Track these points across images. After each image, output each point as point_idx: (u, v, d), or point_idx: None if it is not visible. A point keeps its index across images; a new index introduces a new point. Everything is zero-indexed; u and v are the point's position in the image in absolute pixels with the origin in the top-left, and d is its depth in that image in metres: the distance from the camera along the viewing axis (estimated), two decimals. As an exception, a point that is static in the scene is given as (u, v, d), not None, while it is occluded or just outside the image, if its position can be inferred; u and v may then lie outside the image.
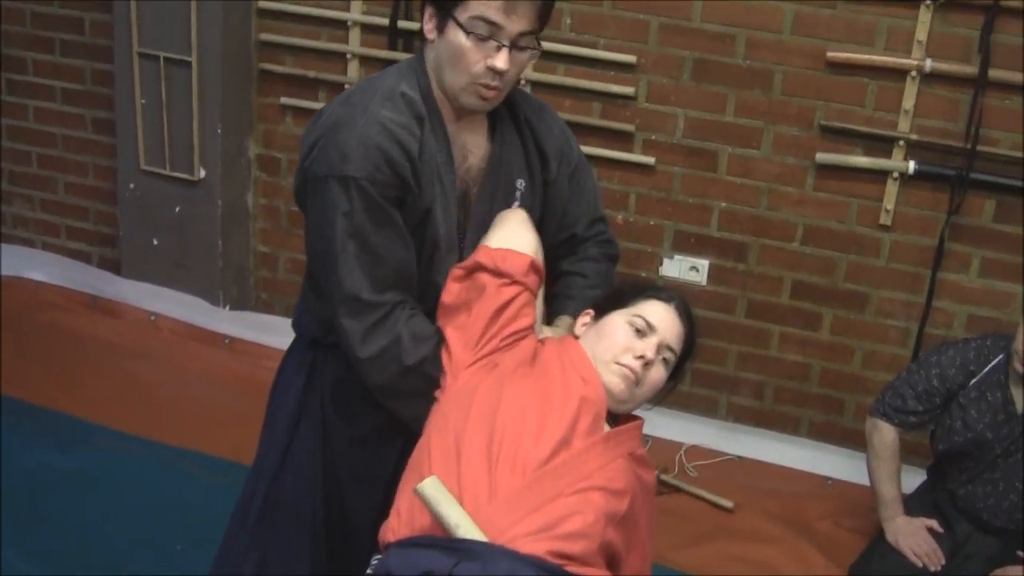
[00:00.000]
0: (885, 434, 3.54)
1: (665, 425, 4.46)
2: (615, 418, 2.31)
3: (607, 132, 4.35)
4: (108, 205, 5.22)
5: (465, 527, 1.94)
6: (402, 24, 4.42)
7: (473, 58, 2.22)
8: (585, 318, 2.47)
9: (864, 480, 3.71)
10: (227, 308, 4.99)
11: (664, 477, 4.17)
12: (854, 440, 4.23)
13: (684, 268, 4.43)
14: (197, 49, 4.58)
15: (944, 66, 3.94)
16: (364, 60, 4.56)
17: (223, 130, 4.71)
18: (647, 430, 4.34)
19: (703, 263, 4.41)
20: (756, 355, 4.46)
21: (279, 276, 5.04)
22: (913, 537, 3.47)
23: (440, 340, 2.36)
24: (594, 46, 4.29)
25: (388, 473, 2.46)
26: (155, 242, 5.00)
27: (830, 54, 4.03)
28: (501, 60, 2.21)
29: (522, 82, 4.32)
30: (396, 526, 2.08)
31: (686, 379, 4.43)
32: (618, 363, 2.29)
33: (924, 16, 3.90)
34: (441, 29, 2.26)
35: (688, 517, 4.02)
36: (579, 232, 2.65)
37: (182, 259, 4.97)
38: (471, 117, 2.40)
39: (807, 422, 4.48)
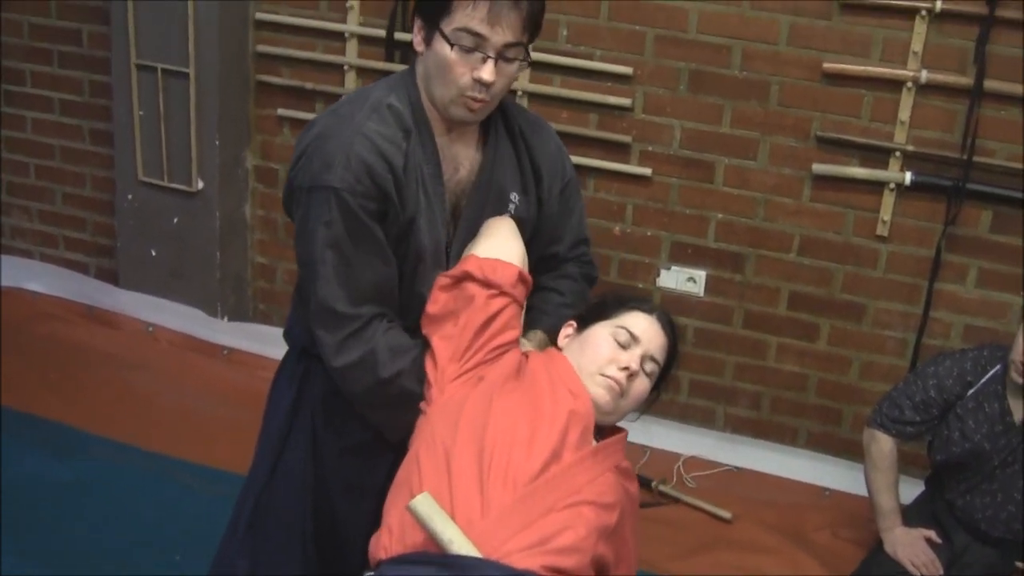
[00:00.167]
0: (883, 444, 3.54)
1: (663, 436, 4.47)
2: (600, 430, 2.32)
3: (604, 143, 4.35)
4: (106, 216, 5.23)
5: (459, 543, 1.94)
6: (399, 36, 4.42)
7: (459, 70, 2.22)
8: (568, 330, 2.48)
9: (862, 490, 3.71)
10: (225, 319, 5.00)
11: (662, 488, 4.18)
12: (852, 451, 4.23)
13: (681, 279, 4.43)
14: (195, 61, 4.58)
15: (940, 77, 3.95)
16: (361, 72, 4.57)
17: (221, 141, 4.72)
18: (645, 440, 4.40)
19: (700, 274, 4.41)
20: (753, 366, 4.46)
21: (277, 287, 5.04)
22: (911, 548, 3.47)
23: (419, 355, 2.36)
24: (590, 58, 4.30)
25: (379, 484, 2.44)
26: (153, 253, 5.00)
27: (826, 65, 4.04)
28: (487, 72, 2.21)
29: (519, 93, 4.33)
30: (388, 543, 2.07)
31: (683, 390, 4.48)
32: (603, 374, 2.30)
33: (920, 27, 3.91)
34: (428, 41, 2.27)
35: (686, 528, 4.02)
36: (562, 252, 2.66)
37: (180, 270, 4.97)
38: (462, 129, 2.40)
39: (805, 433, 4.49)
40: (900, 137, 4.04)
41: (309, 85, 4.65)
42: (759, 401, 4.50)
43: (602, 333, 2.37)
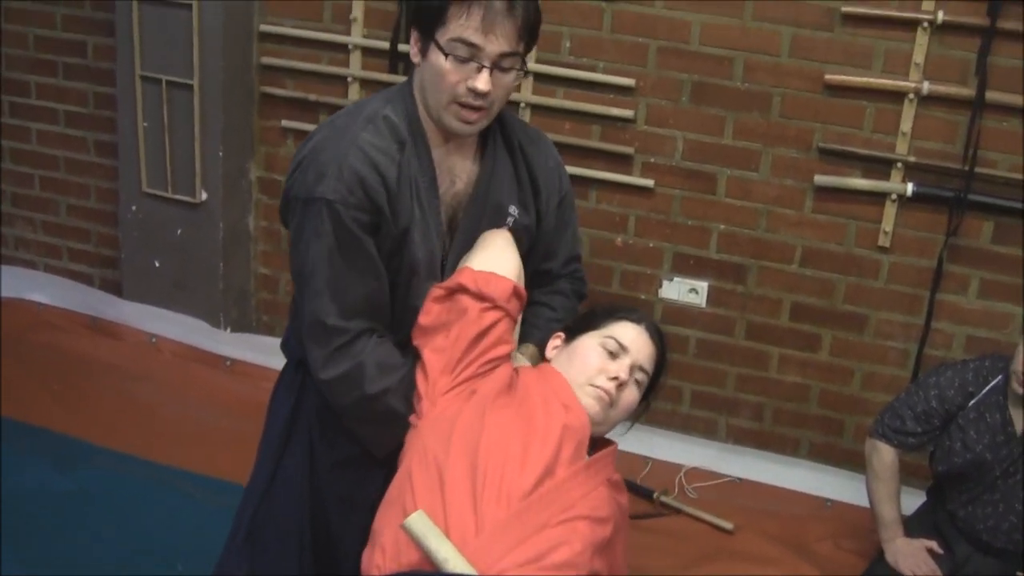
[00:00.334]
0: (884, 455, 3.54)
1: (665, 447, 4.47)
2: (590, 442, 2.31)
3: (606, 155, 4.36)
4: (110, 227, 5.24)
5: (454, 561, 1.93)
6: (402, 47, 4.44)
7: (453, 79, 2.22)
8: (556, 340, 2.48)
9: (864, 501, 3.71)
10: (228, 330, 5.00)
11: (664, 499, 4.18)
12: (854, 461, 4.23)
13: (683, 290, 4.44)
14: (199, 72, 4.60)
15: (941, 88, 3.96)
16: (365, 83, 4.58)
17: (224, 153, 4.73)
18: (647, 451, 4.41)
19: (702, 285, 4.42)
20: (755, 377, 4.47)
21: (280, 298, 5.05)
22: (913, 558, 3.47)
23: (408, 373, 2.35)
24: (593, 69, 4.31)
25: (370, 498, 2.42)
26: (156, 264, 5.01)
27: (828, 77, 4.05)
28: (482, 82, 2.21)
29: (521, 105, 4.34)
30: (382, 562, 2.06)
31: (686, 401, 4.48)
32: (592, 385, 2.30)
33: (921, 39, 3.93)
34: (424, 52, 2.27)
35: (688, 539, 4.02)
36: (555, 268, 2.67)
37: (183, 281, 4.98)
38: (460, 141, 2.40)
39: (807, 443, 4.49)
40: (902, 148, 4.05)
41: (313, 97, 4.66)
42: (761, 412, 4.50)
43: (590, 343, 2.38)
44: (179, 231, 4.90)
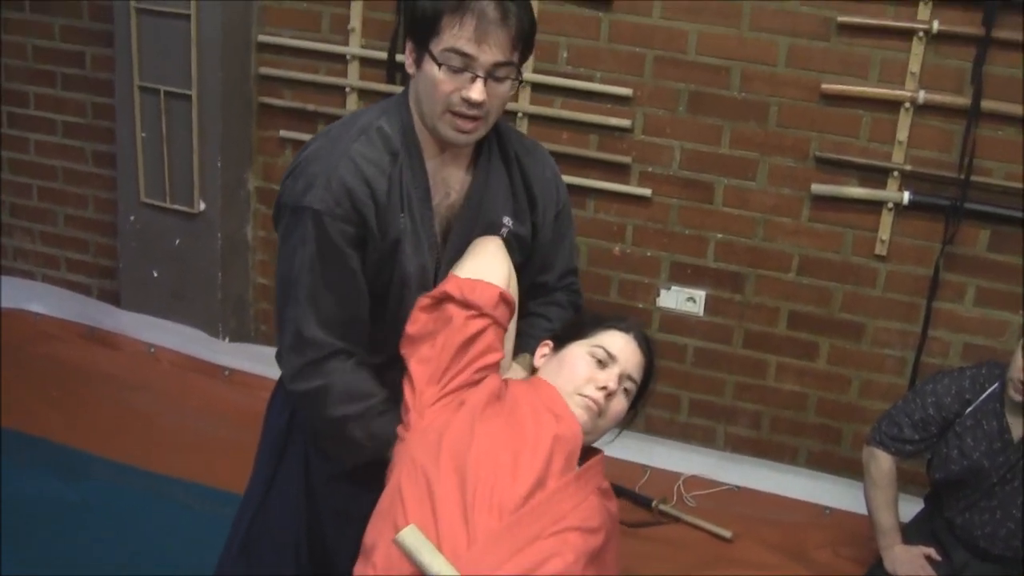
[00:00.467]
0: (882, 463, 3.55)
1: (664, 455, 4.48)
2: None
3: (604, 164, 4.37)
4: (108, 238, 5.24)
5: (448, 575, 1.92)
6: (400, 58, 4.41)
7: (447, 89, 2.21)
8: (544, 349, 2.47)
9: (862, 509, 3.71)
10: (226, 340, 5.01)
11: (663, 507, 4.18)
12: (852, 469, 4.23)
13: (681, 299, 4.45)
14: (197, 83, 4.61)
15: (937, 97, 3.97)
16: (363, 93, 4.59)
17: (223, 163, 4.74)
18: (646, 460, 4.42)
19: (700, 294, 4.43)
20: (753, 385, 4.48)
21: (278, 308, 5.05)
22: (911, 565, 3.48)
23: (377, 404, 2.35)
24: (590, 79, 4.32)
25: (365, 513, 2.37)
26: (155, 274, 5.01)
27: (824, 86, 4.07)
28: (476, 91, 2.20)
29: (519, 115, 4.35)
30: None
31: (684, 409, 4.49)
32: (580, 394, 2.29)
33: (917, 48, 3.94)
34: (419, 63, 2.26)
35: (687, 547, 4.02)
36: (551, 281, 2.65)
37: (182, 291, 4.98)
38: (455, 152, 2.39)
39: (805, 451, 4.50)
40: (898, 157, 4.06)
41: (311, 107, 4.67)
42: (759, 420, 4.51)
43: (579, 352, 2.36)
44: (177, 241, 4.91)
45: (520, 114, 4.37)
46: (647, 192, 4.35)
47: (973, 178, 3.98)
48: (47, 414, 4.42)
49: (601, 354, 2.35)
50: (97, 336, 5.10)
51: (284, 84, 4.73)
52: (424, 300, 2.32)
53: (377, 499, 2.21)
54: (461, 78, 2.20)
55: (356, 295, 2.33)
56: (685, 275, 4.42)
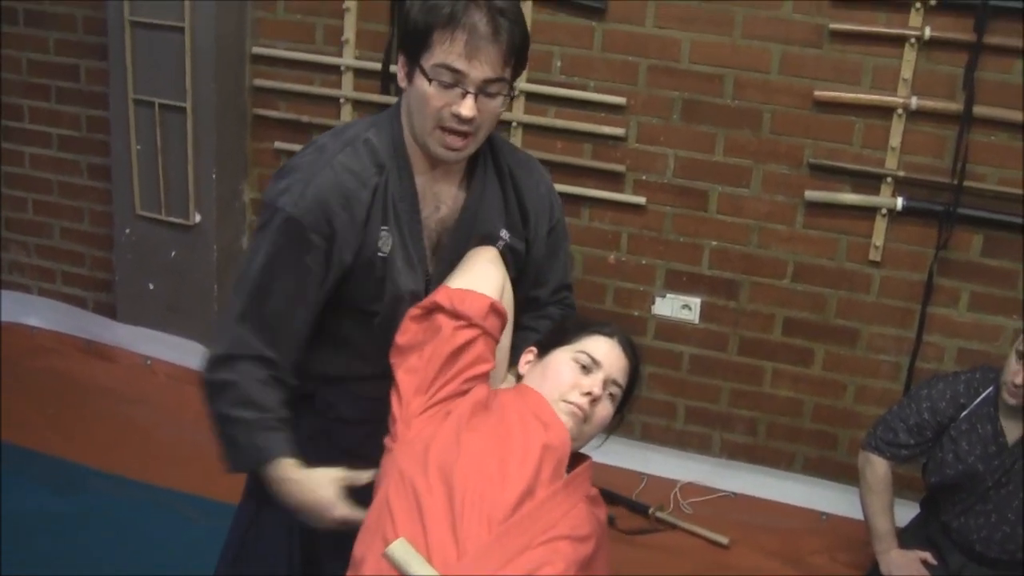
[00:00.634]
0: (877, 467, 3.56)
1: (660, 462, 4.50)
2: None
3: (598, 173, 4.38)
4: (104, 250, 5.24)
5: None
6: (394, 68, 4.44)
7: (437, 104, 2.20)
8: (528, 356, 2.45)
9: (859, 514, 3.72)
10: (223, 352, 5.00)
11: (659, 514, 4.19)
12: (848, 475, 4.24)
13: (676, 307, 4.46)
14: (192, 95, 4.61)
15: (930, 103, 3.99)
16: (357, 104, 4.60)
17: (218, 175, 4.74)
18: (642, 467, 4.43)
19: (695, 301, 4.44)
20: (749, 392, 4.48)
21: (274, 319, 5.05)
22: (907, 569, 3.49)
23: (265, 420, 2.30)
24: (584, 88, 4.33)
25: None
26: (151, 287, 5.01)
27: (817, 93, 4.08)
28: (466, 107, 2.18)
29: (513, 124, 4.36)
30: None
31: (680, 417, 4.50)
32: (565, 400, 2.27)
33: (909, 55, 3.96)
34: (410, 77, 2.24)
35: (684, 554, 4.03)
36: (543, 297, 2.64)
37: (177, 303, 4.98)
38: (447, 167, 2.37)
39: (801, 458, 4.50)
40: (891, 163, 4.07)
41: (305, 118, 4.68)
42: (755, 427, 4.51)
43: (563, 358, 2.34)
44: (173, 253, 4.91)
45: (514, 123, 4.39)
46: (641, 200, 4.36)
47: (966, 183, 3.99)
48: (44, 427, 4.42)
49: (585, 360, 2.33)
50: (93, 349, 5.10)
51: (278, 96, 4.75)
52: (414, 310, 2.31)
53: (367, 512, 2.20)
54: (451, 93, 2.19)
55: (299, 309, 2.30)
56: (680, 283, 4.43)
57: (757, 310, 4.38)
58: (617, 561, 3.81)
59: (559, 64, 4.33)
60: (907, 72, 3.98)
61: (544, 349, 2.42)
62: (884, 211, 4.11)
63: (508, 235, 2.47)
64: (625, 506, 4.25)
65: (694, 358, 4.50)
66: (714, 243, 4.35)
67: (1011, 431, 3.37)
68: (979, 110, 3.93)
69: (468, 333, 2.26)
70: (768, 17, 4.07)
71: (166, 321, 5.03)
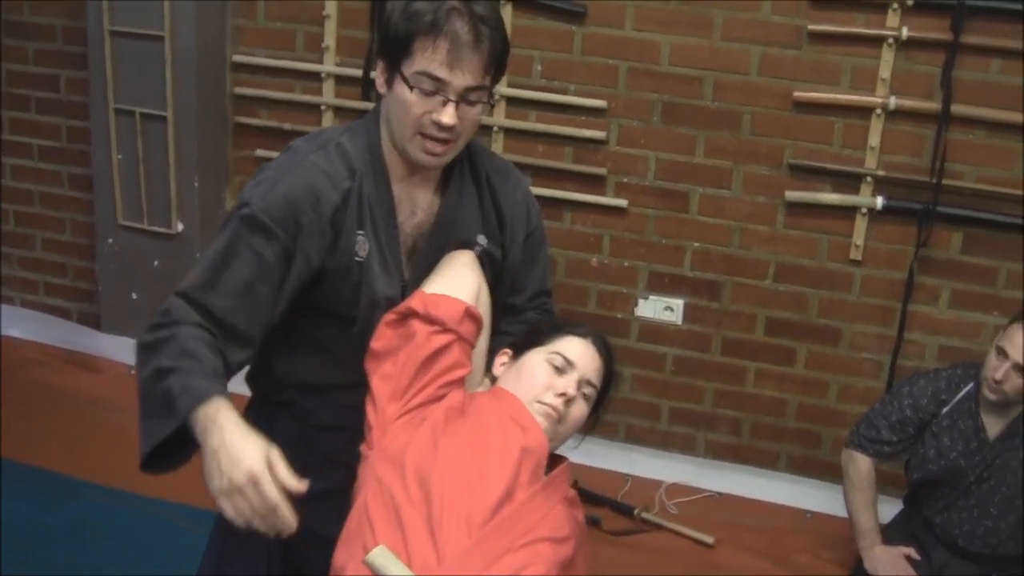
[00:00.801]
0: (861, 465, 3.58)
1: (645, 463, 4.51)
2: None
3: (579, 176, 4.40)
4: (86, 261, 5.24)
5: None
6: (375, 75, 4.45)
7: (417, 112, 2.19)
8: (503, 358, 2.44)
9: (843, 512, 3.75)
10: (207, 360, 4.99)
11: (645, 515, 4.20)
12: (832, 473, 4.26)
13: (659, 308, 4.47)
14: (173, 104, 4.61)
15: (908, 103, 4.01)
16: (338, 111, 4.61)
17: (200, 183, 4.74)
18: (627, 469, 4.45)
19: (678, 303, 4.45)
20: (733, 392, 4.50)
21: (258, 327, 5.04)
22: (891, 565, 3.51)
23: (206, 366, 2.12)
24: (564, 92, 4.35)
25: (338, 534, 2.30)
26: (134, 296, 5.00)
27: (797, 94, 4.11)
28: (447, 115, 2.18)
29: (494, 129, 4.37)
30: None
31: (664, 418, 4.51)
32: (539, 402, 2.26)
33: (887, 55, 3.98)
34: (390, 84, 2.24)
35: (670, 554, 4.05)
36: (520, 303, 2.63)
37: (162, 312, 4.96)
38: (426, 174, 2.36)
39: (785, 457, 4.52)
40: (871, 163, 4.10)
41: (287, 126, 4.68)
42: (739, 427, 4.53)
43: (537, 360, 2.34)
44: (156, 263, 4.90)
45: (495, 128, 4.40)
46: (623, 203, 4.38)
47: (945, 182, 4.02)
48: (30, 439, 4.40)
49: (559, 361, 2.32)
50: (78, 360, 5.09)
51: (260, 103, 4.75)
52: (389, 316, 2.29)
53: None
54: (433, 101, 2.18)
55: (248, 299, 2.21)
56: (663, 284, 4.45)
57: (740, 311, 4.40)
58: (603, 562, 3.85)
59: (539, 68, 4.34)
60: (885, 72, 4.00)
61: (518, 351, 2.41)
62: (864, 210, 4.14)
63: (485, 240, 2.46)
64: (610, 507, 4.26)
65: (677, 359, 4.52)
66: (696, 244, 4.37)
67: (992, 426, 3.40)
68: (957, 109, 3.96)
69: (443, 338, 2.25)
70: (747, 19, 4.10)
71: (150, 330, 5.01)
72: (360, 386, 2.33)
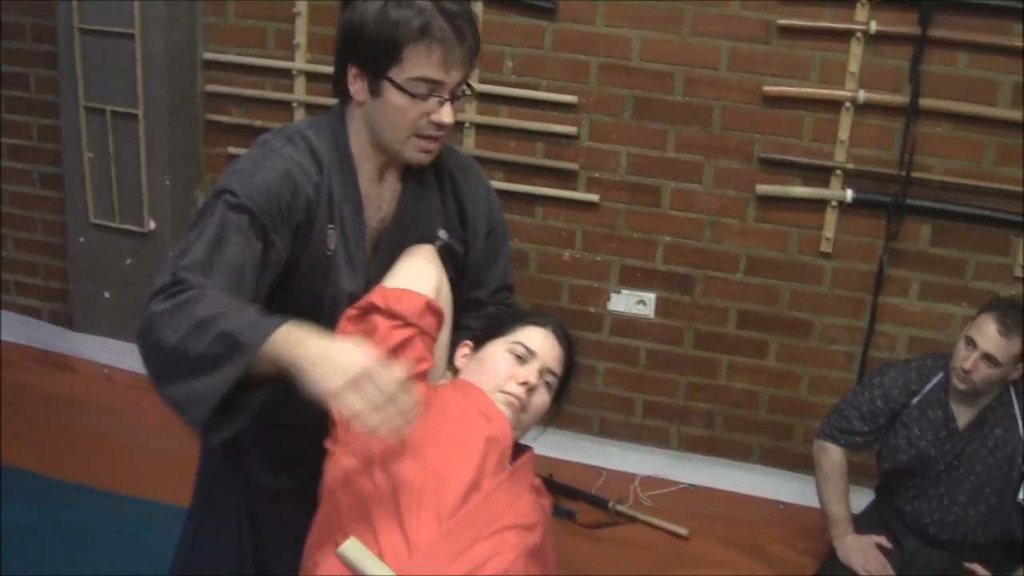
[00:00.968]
0: (832, 455, 3.61)
1: (618, 456, 4.53)
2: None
3: (551, 171, 4.42)
4: (58, 260, 5.22)
5: None
6: (349, 83, 4.45)
7: (413, 115, 2.20)
8: (464, 349, 2.46)
9: (815, 503, 3.77)
10: (180, 358, 4.97)
11: (619, 508, 4.22)
12: (804, 464, 4.26)
13: (632, 302, 4.49)
14: (144, 102, 4.61)
15: (877, 96, 4.04)
16: (310, 108, 4.60)
17: (172, 181, 4.74)
18: (601, 462, 4.47)
19: (650, 296, 4.47)
20: (705, 385, 4.53)
21: (232, 324, 5.03)
22: (863, 554, 3.54)
23: (244, 304, 2.09)
24: (536, 88, 4.36)
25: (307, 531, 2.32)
26: (106, 295, 5.00)
27: (766, 88, 4.13)
28: (447, 115, 2.20)
29: (466, 125, 4.38)
30: None
31: (637, 411, 4.53)
32: (502, 391, 2.29)
33: (856, 49, 4.01)
34: (375, 91, 2.23)
35: (644, 546, 4.07)
36: (483, 297, 2.64)
37: (134, 311, 4.93)
38: (392, 171, 2.38)
39: (758, 448, 4.55)
40: (840, 156, 4.12)
41: (258, 123, 4.67)
42: (712, 419, 4.55)
43: (498, 350, 2.36)
44: (128, 261, 4.89)
45: (467, 124, 4.41)
46: (595, 198, 4.39)
47: (914, 174, 4.05)
48: (3, 439, 4.38)
49: (520, 350, 2.35)
50: (51, 360, 5.08)
51: (231, 101, 4.75)
52: (351, 311, 2.29)
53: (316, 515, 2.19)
54: (429, 103, 2.19)
55: (240, 287, 2.14)
56: (635, 278, 4.47)
57: (711, 304, 4.42)
58: (578, 555, 3.87)
59: (511, 64, 4.35)
60: (854, 66, 4.03)
61: (479, 343, 2.43)
62: (834, 203, 4.16)
63: (446, 235, 2.47)
64: (585, 500, 4.27)
65: (650, 353, 4.54)
66: (668, 239, 4.39)
67: (961, 416, 3.43)
68: (925, 102, 3.99)
69: (404, 332, 2.25)
70: (717, 14, 4.12)
71: (123, 329, 5.00)
72: None
